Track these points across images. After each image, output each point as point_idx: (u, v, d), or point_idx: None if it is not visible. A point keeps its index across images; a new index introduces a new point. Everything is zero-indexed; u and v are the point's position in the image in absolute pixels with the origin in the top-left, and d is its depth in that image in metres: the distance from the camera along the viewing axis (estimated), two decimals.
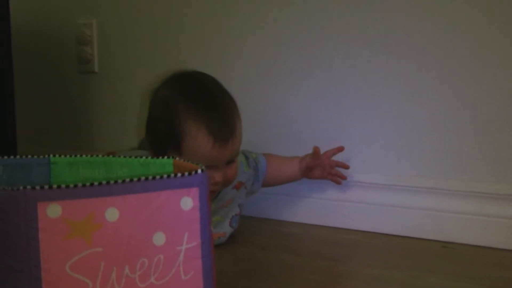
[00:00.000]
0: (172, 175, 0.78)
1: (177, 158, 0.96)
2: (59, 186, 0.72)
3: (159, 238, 0.78)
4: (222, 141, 1.32)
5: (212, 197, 1.40)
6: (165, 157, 0.98)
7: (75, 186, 0.73)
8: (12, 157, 1.03)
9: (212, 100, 1.37)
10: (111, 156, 1.04)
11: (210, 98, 1.37)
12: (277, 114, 1.74)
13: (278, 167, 1.62)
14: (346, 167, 1.60)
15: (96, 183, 0.74)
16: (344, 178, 1.61)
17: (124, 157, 1.02)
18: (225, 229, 1.48)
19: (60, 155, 1.06)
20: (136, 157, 1.00)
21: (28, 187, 0.71)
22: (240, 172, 1.49)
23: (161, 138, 1.36)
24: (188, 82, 1.41)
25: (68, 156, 1.06)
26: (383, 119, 1.58)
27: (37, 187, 0.71)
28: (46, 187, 0.71)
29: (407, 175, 1.55)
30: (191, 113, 1.32)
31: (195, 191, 0.79)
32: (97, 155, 1.04)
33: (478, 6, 1.45)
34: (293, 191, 1.71)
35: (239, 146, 1.38)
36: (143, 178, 0.76)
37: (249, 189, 1.57)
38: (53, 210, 0.71)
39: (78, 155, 1.06)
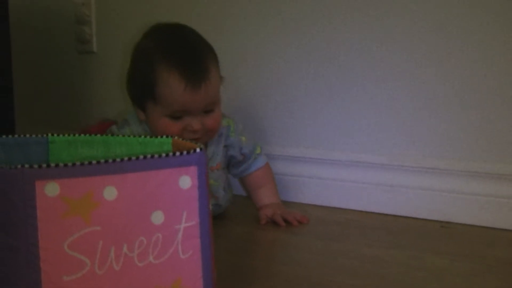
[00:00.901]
0: (171, 153, 0.78)
1: (177, 137, 0.96)
2: (57, 165, 0.72)
3: (158, 217, 0.78)
4: (194, 82, 1.31)
5: None
6: (163, 136, 0.99)
7: (73, 164, 0.73)
8: (10, 136, 1.03)
9: (185, 45, 1.37)
10: (108, 135, 1.04)
11: (184, 43, 1.38)
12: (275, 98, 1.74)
13: (263, 182, 1.58)
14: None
15: (94, 162, 0.74)
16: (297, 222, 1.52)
17: (123, 136, 1.02)
18: (218, 193, 1.48)
19: (58, 134, 1.06)
20: (134, 136, 1.00)
21: (26, 165, 0.71)
22: (225, 131, 1.49)
23: (138, 88, 1.38)
24: (164, 32, 1.42)
25: (66, 135, 1.06)
26: (382, 98, 1.57)
27: (35, 166, 0.71)
28: (44, 165, 0.71)
29: (406, 154, 1.55)
30: (163, 58, 1.34)
31: (193, 169, 0.80)
32: (96, 134, 1.04)
33: None
34: (290, 171, 1.71)
35: (214, 93, 1.36)
36: (141, 156, 0.76)
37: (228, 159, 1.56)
38: (51, 189, 0.71)
39: (77, 134, 1.06)
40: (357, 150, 1.62)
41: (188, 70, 1.32)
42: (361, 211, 1.60)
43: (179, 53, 1.35)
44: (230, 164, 1.56)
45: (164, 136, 0.98)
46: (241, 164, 1.55)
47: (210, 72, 1.35)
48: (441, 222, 1.49)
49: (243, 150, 1.53)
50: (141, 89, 1.37)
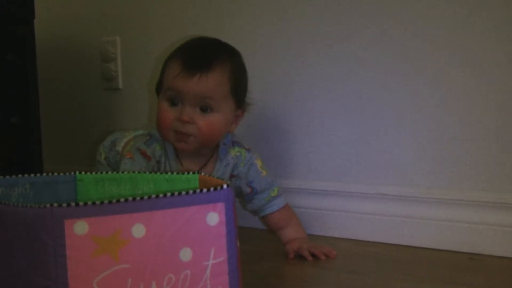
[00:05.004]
0: (198, 190, 0.79)
1: (203, 173, 0.97)
2: (85, 203, 0.72)
3: (186, 254, 0.78)
4: (190, 70, 1.35)
5: (190, 150, 1.42)
6: (190, 172, 0.99)
7: (101, 203, 0.73)
8: (38, 174, 1.04)
9: (201, 44, 1.45)
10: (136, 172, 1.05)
11: (202, 44, 1.45)
12: (297, 120, 1.74)
13: (286, 222, 1.56)
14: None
15: (122, 200, 0.74)
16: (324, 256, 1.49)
17: (150, 173, 1.02)
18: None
19: (86, 172, 1.07)
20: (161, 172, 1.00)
21: (55, 204, 0.72)
22: (234, 160, 1.50)
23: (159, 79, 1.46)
24: (194, 38, 1.49)
25: (94, 173, 1.07)
26: (407, 130, 1.57)
27: (64, 205, 0.72)
28: (73, 204, 0.72)
29: (434, 187, 1.54)
30: (177, 50, 1.43)
31: (221, 206, 0.80)
32: (123, 172, 1.05)
33: (487, 20, 1.44)
34: (315, 204, 1.71)
35: (211, 89, 1.36)
36: (169, 194, 0.77)
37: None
38: (80, 227, 0.72)
39: (104, 172, 1.07)
40: (383, 182, 1.61)
41: (189, 59, 1.37)
42: (388, 244, 1.59)
43: (191, 48, 1.43)
44: (241, 196, 1.56)
45: (191, 173, 0.99)
46: (251, 199, 1.54)
47: (211, 68, 1.37)
48: (470, 254, 1.47)
49: (252, 183, 1.52)
50: (159, 79, 1.45)
